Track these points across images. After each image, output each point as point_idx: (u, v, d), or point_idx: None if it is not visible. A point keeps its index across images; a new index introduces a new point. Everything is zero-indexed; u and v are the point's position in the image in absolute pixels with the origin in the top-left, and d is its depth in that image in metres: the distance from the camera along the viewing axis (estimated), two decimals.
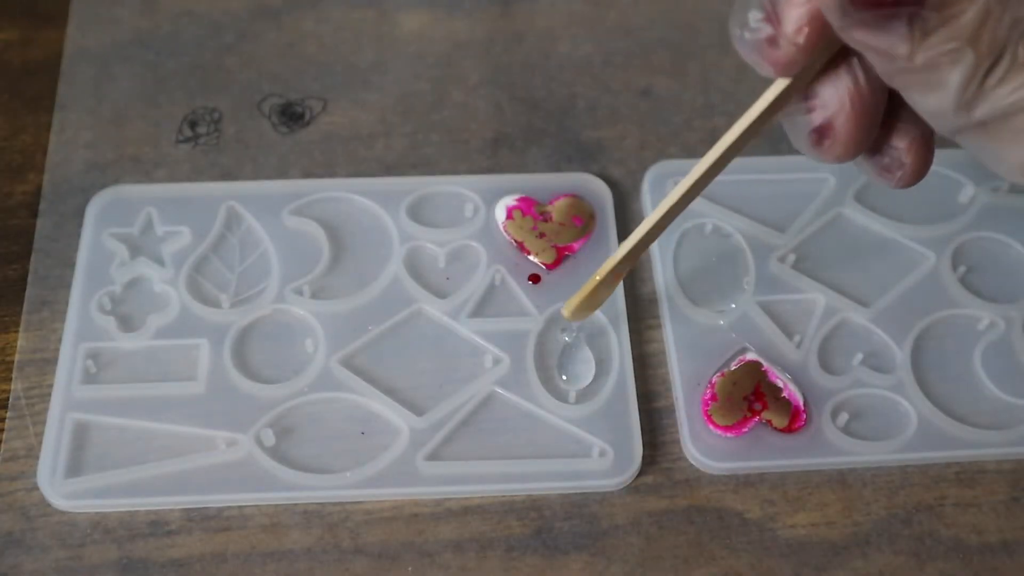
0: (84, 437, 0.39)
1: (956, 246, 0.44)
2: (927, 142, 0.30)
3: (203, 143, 0.47)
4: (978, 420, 0.40)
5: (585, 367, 0.41)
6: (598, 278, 0.37)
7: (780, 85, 0.29)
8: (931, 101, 0.26)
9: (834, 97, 0.29)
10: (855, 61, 0.28)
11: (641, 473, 0.39)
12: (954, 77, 0.25)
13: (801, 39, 0.27)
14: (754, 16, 0.28)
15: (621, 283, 0.43)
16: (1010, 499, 0.39)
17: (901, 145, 0.30)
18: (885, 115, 0.30)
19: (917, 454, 0.40)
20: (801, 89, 0.29)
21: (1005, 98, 0.25)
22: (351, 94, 0.49)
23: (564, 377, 0.41)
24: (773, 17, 0.27)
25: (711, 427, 0.40)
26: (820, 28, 0.27)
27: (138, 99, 0.49)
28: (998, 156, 0.27)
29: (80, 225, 0.44)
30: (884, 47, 0.25)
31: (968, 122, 0.26)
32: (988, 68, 0.25)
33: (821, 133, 0.29)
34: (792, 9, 0.27)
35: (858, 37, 0.26)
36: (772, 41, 0.27)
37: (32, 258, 0.44)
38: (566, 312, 0.38)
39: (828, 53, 0.29)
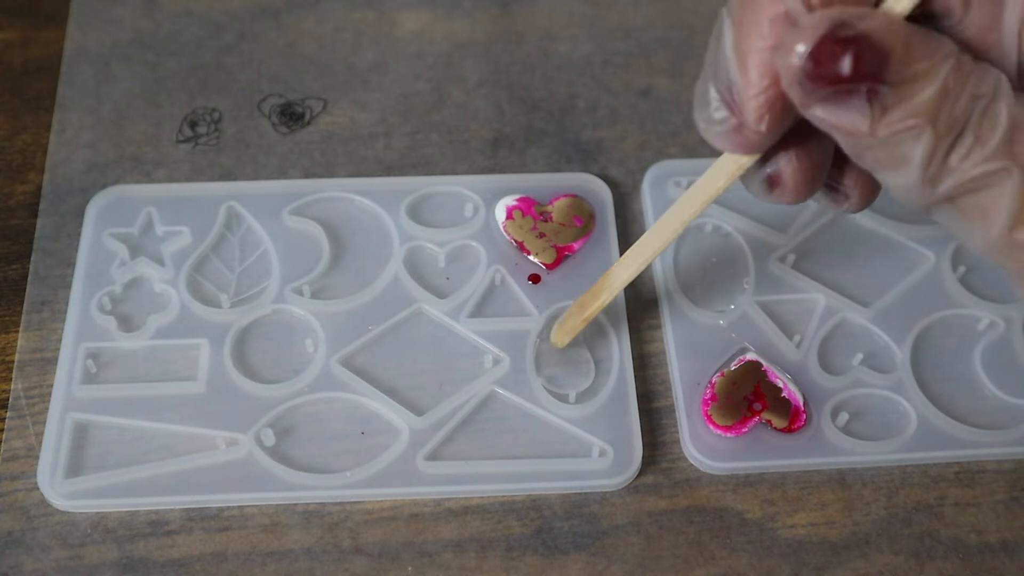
0: (84, 437, 0.39)
1: (956, 246, 0.44)
2: (873, 178, 0.31)
3: (203, 143, 0.47)
4: (978, 420, 0.40)
5: (570, 371, 0.41)
6: (590, 311, 0.38)
7: (748, 160, 0.30)
8: (898, 178, 0.26)
9: (781, 151, 0.30)
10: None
11: (641, 473, 0.39)
12: (917, 153, 0.25)
13: (763, 127, 0.28)
14: (716, 108, 0.29)
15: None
16: (1010, 499, 0.39)
17: (848, 182, 0.31)
18: (835, 155, 0.31)
19: (917, 454, 0.40)
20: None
21: (967, 173, 0.25)
22: (351, 94, 0.49)
23: (543, 380, 0.41)
24: (734, 107, 0.28)
25: (711, 427, 0.40)
26: (780, 113, 0.28)
27: (138, 99, 0.49)
28: (966, 232, 0.27)
29: (80, 225, 0.44)
30: (845, 124, 0.26)
31: (935, 198, 0.26)
32: (951, 144, 0.25)
33: (771, 182, 0.31)
34: (751, 100, 0.28)
35: (819, 114, 0.26)
36: (737, 129, 0.28)
37: (32, 258, 0.44)
38: (557, 342, 0.40)
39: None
